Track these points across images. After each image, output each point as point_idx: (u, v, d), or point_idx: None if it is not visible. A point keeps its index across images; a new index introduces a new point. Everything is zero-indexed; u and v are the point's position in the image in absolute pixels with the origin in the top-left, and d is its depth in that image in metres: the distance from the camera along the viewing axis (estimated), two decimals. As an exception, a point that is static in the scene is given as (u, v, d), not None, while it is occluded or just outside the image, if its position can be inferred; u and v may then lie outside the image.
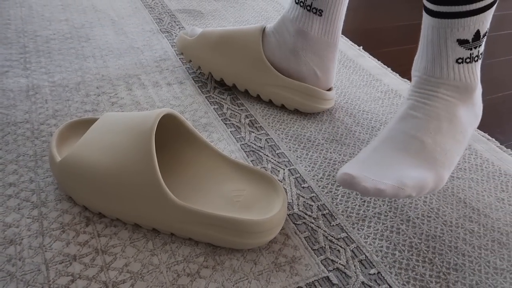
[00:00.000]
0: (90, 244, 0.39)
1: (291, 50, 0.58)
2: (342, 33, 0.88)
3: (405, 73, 0.77)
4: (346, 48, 0.81)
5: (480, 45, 0.44)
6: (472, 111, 0.46)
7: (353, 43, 0.83)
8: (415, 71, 0.48)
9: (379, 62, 0.77)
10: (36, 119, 0.53)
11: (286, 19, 0.58)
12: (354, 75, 0.72)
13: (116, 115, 0.44)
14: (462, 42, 0.44)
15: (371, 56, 0.79)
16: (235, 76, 0.60)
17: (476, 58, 0.45)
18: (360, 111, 0.63)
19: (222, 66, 0.61)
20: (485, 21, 0.43)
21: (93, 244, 0.39)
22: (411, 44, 0.91)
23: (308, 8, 0.55)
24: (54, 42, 0.71)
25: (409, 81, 0.72)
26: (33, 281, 0.35)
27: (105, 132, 0.42)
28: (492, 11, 0.43)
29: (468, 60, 0.45)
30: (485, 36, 0.44)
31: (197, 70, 0.65)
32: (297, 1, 0.56)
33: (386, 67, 0.76)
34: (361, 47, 0.82)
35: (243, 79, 0.60)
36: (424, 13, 0.46)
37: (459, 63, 0.45)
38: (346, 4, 0.56)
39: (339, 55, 0.77)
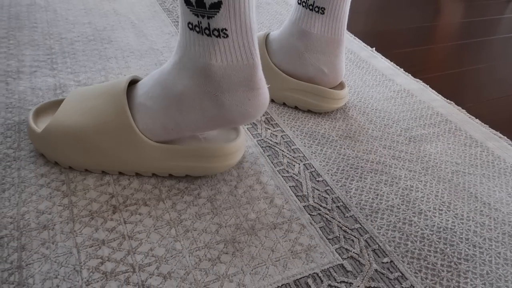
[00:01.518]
0: (117, 230, 0.41)
1: (296, 52, 0.58)
2: (355, 35, 0.89)
3: (417, 73, 0.78)
4: (358, 49, 0.82)
5: None
6: None
7: (365, 45, 0.84)
8: None
9: (392, 62, 0.79)
10: (64, 116, 0.56)
11: (289, 23, 0.59)
12: (367, 75, 0.74)
13: (85, 88, 0.50)
14: (187, 2, 0.38)
15: (383, 57, 0.80)
16: None
17: None
18: (373, 109, 0.64)
19: None
20: None
21: (120, 230, 0.41)
22: (423, 45, 0.92)
23: (311, 7, 0.56)
24: (78, 44, 0.74)
25: (421, 81, 0.73)
26: (65, 263, 0.37)
27: (80, 100, 0.48)
28: None
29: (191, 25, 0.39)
30: None
31: None
32: (299, 1, 0.57)
33: (398, 67, 0.77)
34: (374, 48, 0.83)
35: None
36: None
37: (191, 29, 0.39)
38: (350, 0, 0.56)
39: (352, 56, 0.79)
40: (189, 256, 0.39)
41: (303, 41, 0.58)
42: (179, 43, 0.41)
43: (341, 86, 0.62)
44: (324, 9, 0.55)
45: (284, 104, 0.63)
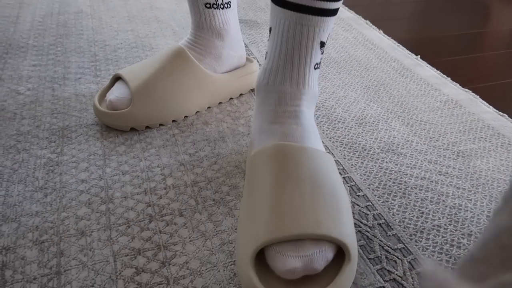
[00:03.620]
0: (153, 240, 0.41)
1: (218, 56, 0.59)
2: (398, 42, 0.86)
3: (465, 83, 0.74)
4: (402, 57, 0.79)
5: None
6: None
7: (410, 52, 0.81)
8: (266, 85, 0.42)
9: (438, 71, 0.75)
10: (105, 122, 0.57)
11: (200, 30, 0.58)
12: (411, 84, 0.70)
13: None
14: (322, 45, 0.39)
15: (429, 65, 0.77)
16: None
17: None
18: (417, 121, 0.61)
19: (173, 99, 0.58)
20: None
21: (155, 240, 0.41)
22: (471, 53, 0.88)
23: (225, 5, 0.57)
24: (121, 51, 0.76)
25: (470, 92, 0.69)
26: (102, 271, 0.38)
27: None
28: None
29: (319, 65, 0.41)
30: None
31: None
32: (209, 5, 0.55)
33: (445, 76, 0.73)
34: (419, 56, 0.80)
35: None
36: (277, 7, 0.37)
37: (315, 68, 0.41)
38: None
39: (395, 64, 0.76)
40: (223, 270, 0.38)
41: (221, 41, 0.59)
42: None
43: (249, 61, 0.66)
44: (230, 2, 0.57)
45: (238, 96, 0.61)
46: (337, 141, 0.56)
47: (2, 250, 0.39)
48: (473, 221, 0.45)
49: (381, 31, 0.90)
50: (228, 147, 0.54)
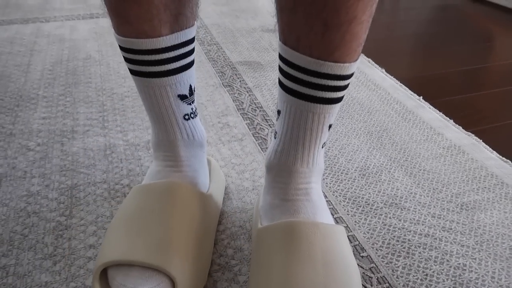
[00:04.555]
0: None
1: (204, 166, 0.51)
2: (400, 82, 0.87)
3: (469, 125, 0.74)
4: (405, 98, 0.80)
5: None
6: None
7: (412, 93, 0.82)
8: (277, 164, 0.43)
9: (440, 113, 0.76)
10: (112, 179, 0.58)
11: (177, 148, 0.48)
12: (414, 128, 0.71)
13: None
14: (330, 127, 0.41)
15: (431, 107, 0.77)
16: None
17: None
18: (420, 170, 0.61)
19: None
20: None
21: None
22: (474, 91, 0.88)
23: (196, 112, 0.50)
24: (128, 99, 0.78)
25: (473, 135, 0.69)
26: None
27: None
28: None
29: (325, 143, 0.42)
30: None
31: None
32: (188, 117, 0.47)
33: (448, 119, 0.74)
34: (421, 97, 0.80)
35: None
36: (285, 94, 0.39)
37: (322, 147, 0.42)
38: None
39: (398, 107, 0.77)
40: None
41: (202, 150, 0.51)
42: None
43: None
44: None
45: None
46: (340, 195, 0.57)
47: (13, 326, 0.40)
48: (477, 283, 0.45)
49: (384, 70, 0.91)
50: (232, 204, 0.55)
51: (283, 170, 0.43)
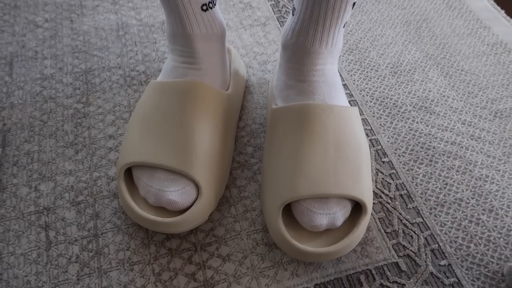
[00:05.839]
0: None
1: (225, 64, 0.47)
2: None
3: (521, 19, 0.66)
4: (454, -20, 0.70)
5: None
6: None
7: (463, -27, 0.71)
8: (294, 44, 0.41)
9: (491, 1, 0.66)
10: (127, 65, 0.55)
11: (196, 42, 0.43)
12: (458, 19, 0.63)
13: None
14: (353, 5, 0.38)
15: (483, -7, 0.68)
16: None
17: None
18: (458, 70, 0.57)
19: None
20: None
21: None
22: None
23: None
24: (139, -31, 0.69)
25: (524, 31, 0.62)
26: (135, 235, 0.41)
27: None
28: None
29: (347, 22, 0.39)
30: None
31: None
32: (206, 7, 0.41)
33: (499, 9, 0.65)
34: (473, -21, 0.70)
35: None
36: None
37: (344, 26, 0.40)
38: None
39: (444, -9, 0.67)
40: (247, 238, 0.41)
41: (222, 44, 0.46)
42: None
43: None
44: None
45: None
46: (367, 95, 0.53)
47: (44, 211, 0.42)
48: (497, 195, 0.45)
49: None
50: (253, 99, 0.52)
51: (300, 50, 0.41)
